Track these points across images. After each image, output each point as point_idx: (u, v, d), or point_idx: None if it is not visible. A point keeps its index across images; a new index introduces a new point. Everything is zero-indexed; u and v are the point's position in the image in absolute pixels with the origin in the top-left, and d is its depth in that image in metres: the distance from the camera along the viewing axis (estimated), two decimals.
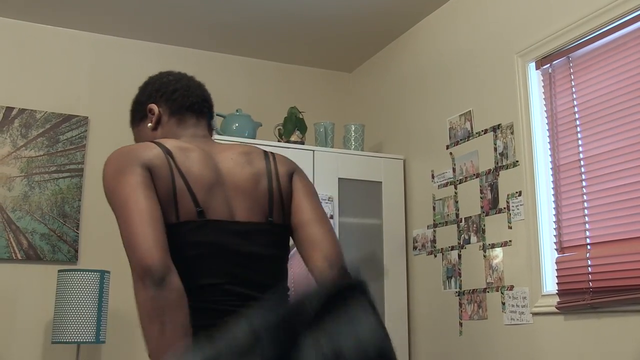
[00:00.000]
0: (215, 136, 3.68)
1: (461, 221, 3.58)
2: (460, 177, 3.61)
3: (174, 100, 1.85)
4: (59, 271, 3.56)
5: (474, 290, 3.43)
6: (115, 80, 4.28)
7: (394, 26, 4.23)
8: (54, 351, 3.79)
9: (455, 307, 3.55)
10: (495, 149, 3.37)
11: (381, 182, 4.03)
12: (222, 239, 1.62)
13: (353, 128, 4.15)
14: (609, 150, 2.79)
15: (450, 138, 3.73)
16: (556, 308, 2.88)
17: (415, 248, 3.95)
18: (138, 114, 1.86)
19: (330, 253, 1.72)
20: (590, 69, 2.92)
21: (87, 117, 4.13)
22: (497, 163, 3.34)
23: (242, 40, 4.42)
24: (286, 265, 1.78)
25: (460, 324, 3.50)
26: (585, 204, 2.87)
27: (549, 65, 3.12)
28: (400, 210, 4.04)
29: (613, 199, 2.74)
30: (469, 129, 3.58)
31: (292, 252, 1.82)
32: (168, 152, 1.66)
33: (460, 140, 3.64)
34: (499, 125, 3.36)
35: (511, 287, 3.18)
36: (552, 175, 3.06)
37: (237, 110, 4.03)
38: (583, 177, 2.90)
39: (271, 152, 1.87)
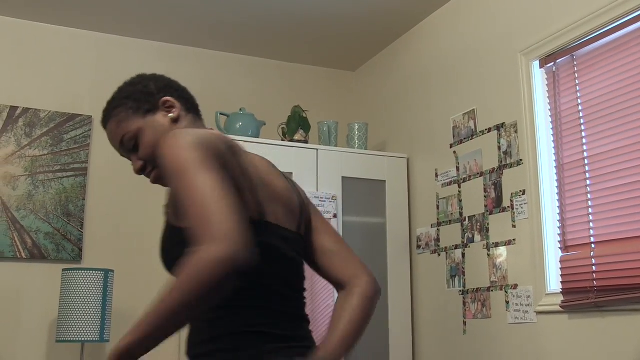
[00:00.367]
0: None
1: (465, 220, 3.57)
2: (464, 176, 3.61)
3: (187, 99, 1.81)
4: (63, 270, 3.56)
5: (477, 289, 3.42)
6: (118, 79, 4.21)
7: (398, 25, 4.23)
8: (59, 350, 3.79)
9: (459, 306, 3.54)
10: (499, 148, 3.36)
11: (385, 181, 4.03)
12: (274, 241, 1.59)
13: (357, 127, 4.15)
14: (613, 148, 2.78)
15: (454, 137, 3.73)
16: (560, 307, 2.87)
17: (419, 247, 3.94)
18: (146, 104, 1.74)
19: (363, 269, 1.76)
20: (595, 67, 2.91)
21: (91, 117, 4.13)
22: (501, 162, 3.34)
23: (245, 39, 4.42)
24: None
25: (464, 323, 3.50)
26: (590, 203, 2.87)
27: (552, 63, 3.12)
28: (404, 209, 4.04)
29: (617, 198, 2.74)
30: (473, 127, 3.58)
31: None
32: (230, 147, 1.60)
33: (464, 139, 3.64)
34: (502, 124, 3.36)
35: (515, 286, 3.18)
36: (556, 173, 3.05)
37: (240, 109, 4.03)
38: (587, 175, 2.90)
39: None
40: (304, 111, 4.09)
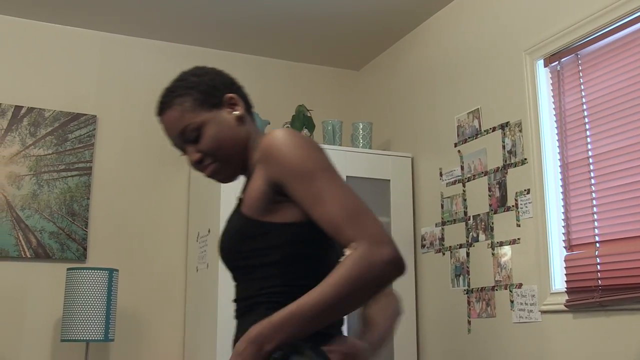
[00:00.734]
0: None
1: (469, 219, 3.57)
2: (469, 175, 3.61)
3: (247, 101, 1.82)
4: (68, 269, 3.57)
5: (482, 288, 3.42)
6: (123, 79, 4.29)
7: (402, 24, 4.23)
8: (63, 349, 3.80)
9: (464, 305, 3.54)
10: (504, 147, 3.36)
11: (389, 180, 4.02)
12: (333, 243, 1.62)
13: (361, 126, 4.14)
14: (617, 147, 2.77)
15: (458, 136, 3.73)
16: (565, 306, 2.87)
17: (423, 246, 3.94)
18: (212, 98, 1.73)
19: None
20: (599, 66, 2.91)
21: (96, 116, 4.14)
22: (506, 161, 3.34)
23: (249, 38, 4.42)
24: None
25: (469, 322, 3.50)
26: (594, 202, 2.86)
27: (557, 62, 3.11)
28: (409, 208, 4.04)
29: (622, 197, 2.73)
30: (477, 126, 3.57)
31: None
32: None
33: (469, 138, 3.64)
34: (507, 123, 3.36)
35: (520, 285, 3.17)
36: (560, 173, 3.05)
37: None
38: (592, 174, 2.89)
39: None
40: (308, 110, 4.09)
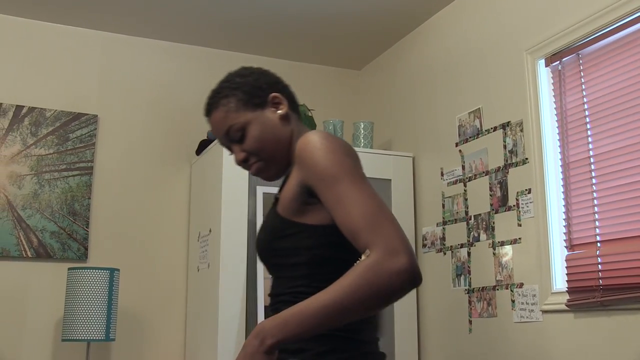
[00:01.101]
0: None
1: (470, 219, 3.57)
2: (470, 175, 3.61)
3: (292, 98, 1.85)
4: (69, 269, 3.57)
5: (483, 287, 3.42)
6: (124, 79, 4.29)
7: (403, 24, 4.23)
8: (64, 349, 3.80)
9: (465, 304, 3.54)
10: (505, 147, 3.36)
11: (390, 180, 4.02)
12: None
13: (362, 126, 4.14)
14: (619, 147, 2.77)
15: (459, 135, 3.73)
16: (566, 306, 2.87)
17: (424, 246, 3.94)
18: (256, 98, 1.78)
19: None
20: (600, 66, 2.91)
21: (97, 115, 4.14)
22: (507, 160, 3.34)
23: (251, 38, 4.42)
24: None
25: (470, 322, 3.50)
26: (595, 202, 2.86)
27: (558, 62, 3.11)
28: (410, 208, 4.04)
29: (623, 197, 2.73)
30: (478, 126, 3.57)
31: None
32: None
33: (470, 137, 3.63)
34: (508, 122, 3.35)
35: (521, 285, 3.17)
36: (561, 172, 3.04)
37: None
38: (593, 174, 2.89)
39: None
40: (309, 110, 4.09)
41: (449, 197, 3.76)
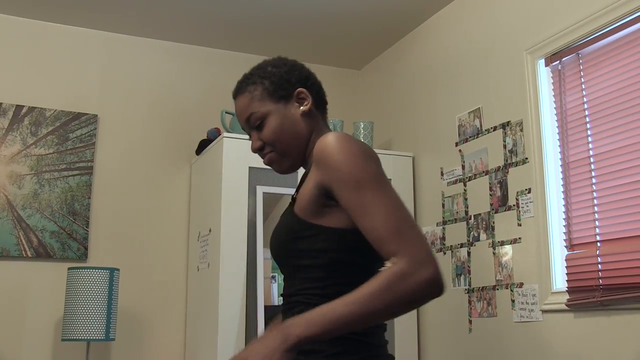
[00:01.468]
0: (225, 134, 3.69)
1: (470, 218, 3.57)
2: (470, 175, 3.61)
3: (320, 96, 1.84)
4: (69, 269, 3.57)
5: (483, 287, 3.42)
6: (124, 78, 4.29)
7: (403, 23, 4.23)
8: (64, 349, 3.80)
9: (465, 304, 3.54)
10: (505, 146, 3.36)
11: (390, 180, 4.00)
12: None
13: (362, 125, 4.14)
14: (619, 147, 2.77)
15: (459, 135, 3.73)
16: (566, 305, 2.87)
17: None
18: (282, 91, 1.77)
19: None
20: (600, 65, 2.91)
21: (97, 115, 4.14)
22: (507, 160, 3.34)
23: (251, 38, 4.42)
24: None
25: (470, 322, 3.50)
26: (595, 201, 2.86)
27: (558, 62, 3.11)
28: (410, 208, 4.03)
29: (623, 196, 2.73)
30: (478, 126, 3.57)
31: None
32: None
33: (470, 137, 3.64)
34: (508, 122, 3.36)
35: (521, 285, 3.17)
36: (561, 172, 3.04)
37: None
38: (593, 174, 2.89)
39: None
40: None
41: (449, 196, 3.76)
